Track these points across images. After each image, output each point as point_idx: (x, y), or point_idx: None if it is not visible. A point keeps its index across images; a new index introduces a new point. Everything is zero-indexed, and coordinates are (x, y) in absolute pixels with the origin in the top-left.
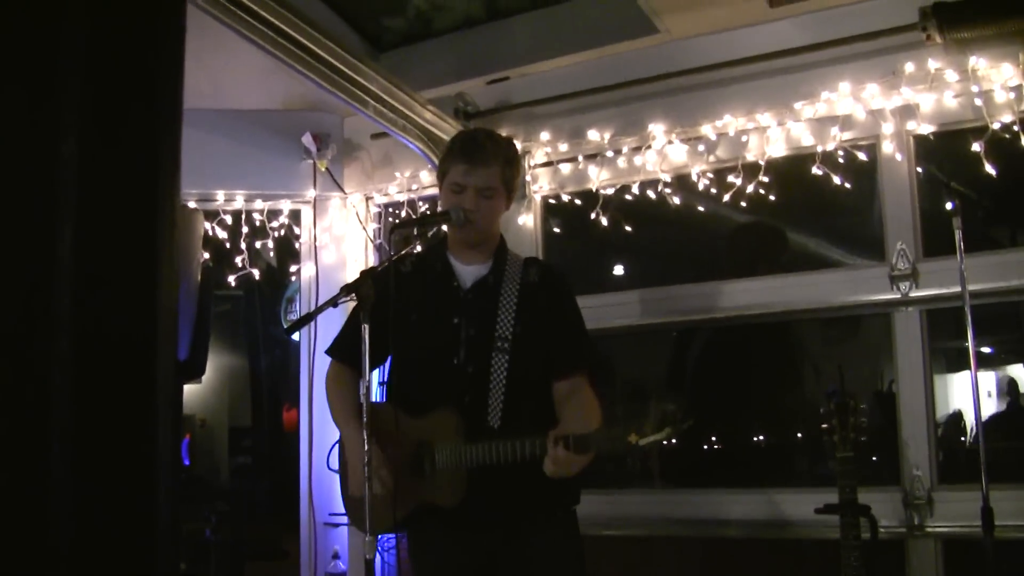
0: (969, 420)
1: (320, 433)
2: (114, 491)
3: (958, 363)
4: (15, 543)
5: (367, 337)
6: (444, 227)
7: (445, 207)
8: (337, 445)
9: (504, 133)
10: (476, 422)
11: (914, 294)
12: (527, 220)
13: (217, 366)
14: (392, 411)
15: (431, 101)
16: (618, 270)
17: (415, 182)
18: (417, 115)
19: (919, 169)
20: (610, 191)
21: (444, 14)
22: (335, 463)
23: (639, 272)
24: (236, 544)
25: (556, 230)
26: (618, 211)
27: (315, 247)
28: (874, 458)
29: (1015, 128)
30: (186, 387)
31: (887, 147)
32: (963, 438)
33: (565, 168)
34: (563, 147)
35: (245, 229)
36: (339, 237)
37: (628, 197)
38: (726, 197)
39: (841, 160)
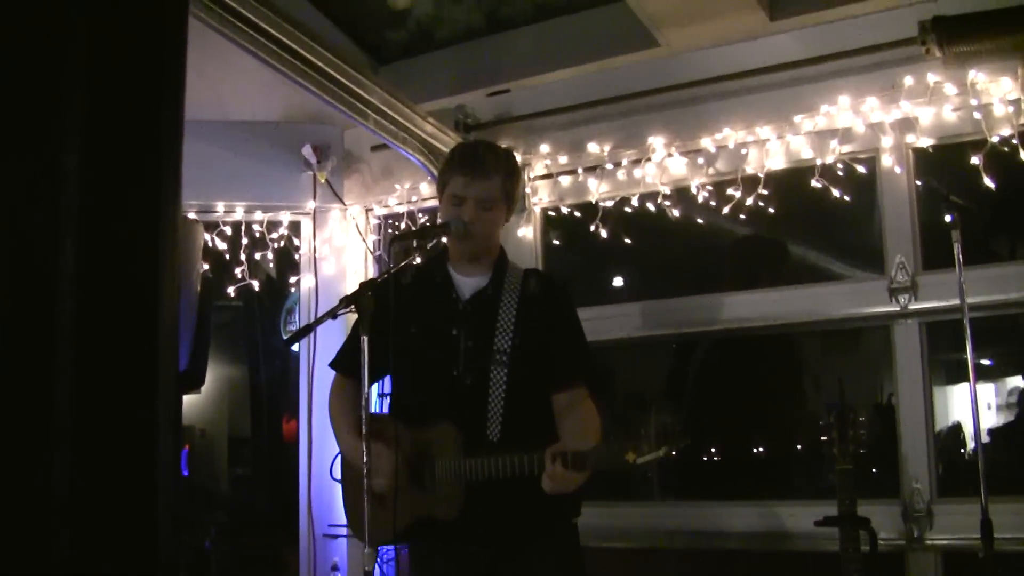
0: (969, 432)
1: (320, 444)
2: (115, 500)
3: (958, 375)
4: (17, 552)
5: (366, 349)
6: (444, 239)
7: (445, 219)
8: (339, 457)
9: (504, 145)
10: (475, 435)
11: (913, 307)
12: (527, 232)
13: (217, 377)
14: (392, 423)
15: (431, 113)
16: (617, 282)
17: (415, 194)
18: (417, 127)
19: (918, 182)
20: (610, 203)
21: (445, 26)
22: (338, 473)
23: (638, 284)
24: (235, 555)
25: (556, 242)
26: (618, 223)
27: (315, 259)
28: (874, 470)
29: (1014, 142)
30: (186, 397)
31: (886, 160)
32: (963, 450)
33: (565, 180)
34: (563, 159)
35: (245, 240)
36: (339, 249)
37: (628, 209)
38: (725, 210)
39: (840, 173)
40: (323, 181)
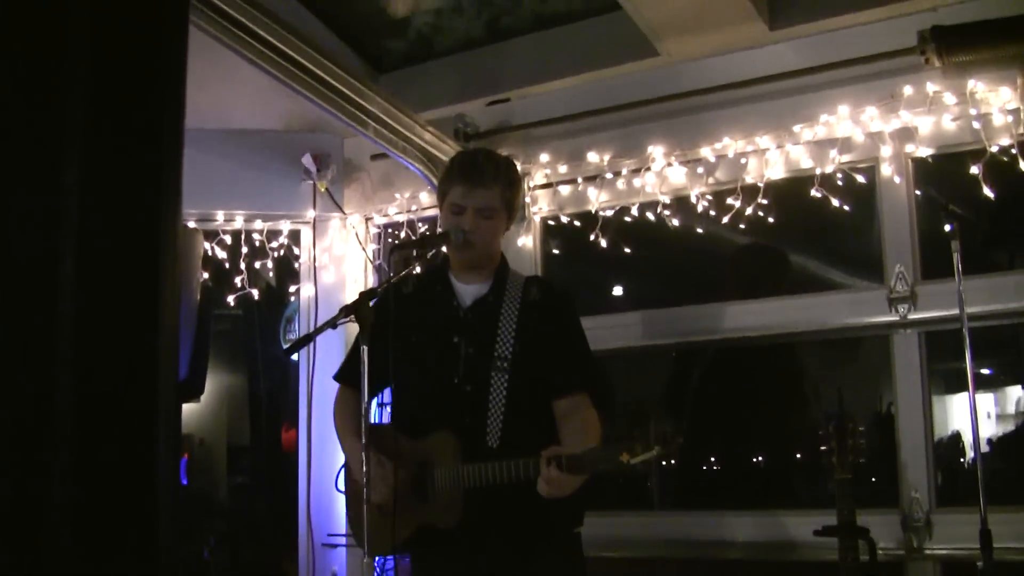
0: (968, 442)
1: (319, 453)
2: (115, 508)
3: (957, 385)
4: (18, 560)
5: (366, 358)
6: (444, 248)
7: (445, 228)
8: (344, 467)
9: (504, 154)
10: (475, 443)
11: (913, 316)
12: (526, 241)
13: (216, 385)
14: (392, 433)
15: (431, 122)
16: (617, 291)
17: (415, 203)
18: (417, 136)
19: (918, 192)
20: (609, 213)
21: (445, 35)
22: (342, 485)
23: (638, 293)
24: (234, 564)
25: (555, 251)
26: (617, 233)
27: (314, 268)
28: (873, 480)
29: (1013, 151)
30: (185, 406)
31: (886, 170)
32: (962, 460)
33: (564, 190)
34: (563, 168)
35: (245, 249)
36: (338, 258)
37: (627, 219)
38: (725, 219)
39: (840, 183)
40: (323, 190)
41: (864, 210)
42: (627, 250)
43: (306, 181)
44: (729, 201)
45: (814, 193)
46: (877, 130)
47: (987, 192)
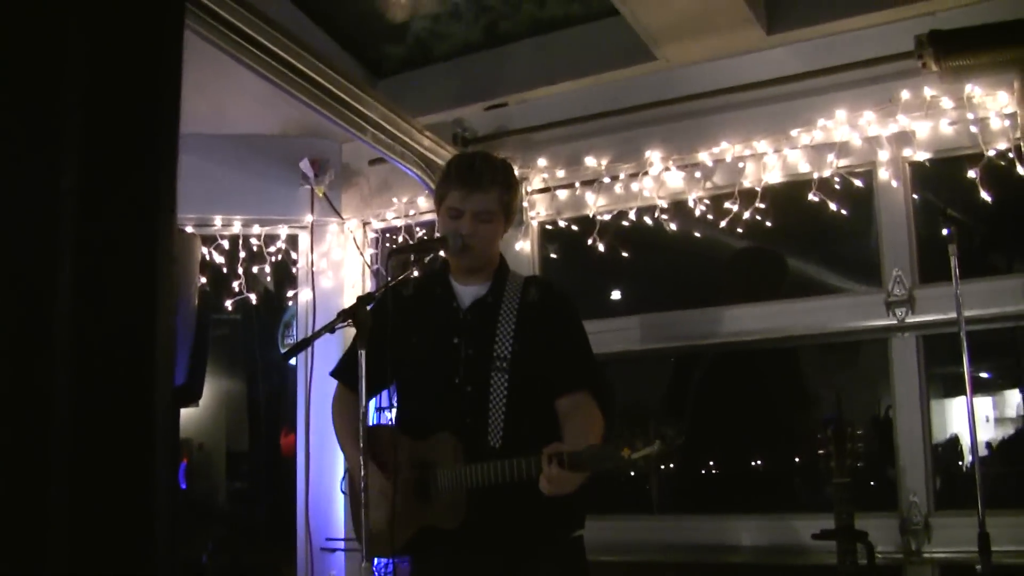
0: (967, 445)
1: (318, 458)
2: (113, 514)
3: (956, 388)
4: (15, 566)
5: (363, 363)
6: (442, 252)
7: (443, 232)
8: (347, 472)
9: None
10: (477, 443)
11: (910, 320)
12: (524, 246)
13: (214, 390)
14: (391, 434)
15: (429, 127)
16: (615, 296)
17: (413, 208)
18: (415, 141)
19: (915, 196)
20: (607, 217)
21: (443, 41)
22: (346, 487)
23: (636, 298)
24: (233, 568)
25: (553, 256)
26: (615, 237)
27: (312, 272)
28: (872, 483)
29: (1010, 155)
30: (184, 411)
31: (883, 174)
32: (961, 463)
33: (562, 194)
34: (560, 173)
35: (243, 254)
36: (337, 262)
37: (625, 223)
38: (723, 223)
39: (837, 187)
40: (321, 195)
41: (862, 214)
42: (625, 254)
43: (304, 186)
44: (727, 205)
45: (812, 197)
46: (875, 134)
47: (984, 196)
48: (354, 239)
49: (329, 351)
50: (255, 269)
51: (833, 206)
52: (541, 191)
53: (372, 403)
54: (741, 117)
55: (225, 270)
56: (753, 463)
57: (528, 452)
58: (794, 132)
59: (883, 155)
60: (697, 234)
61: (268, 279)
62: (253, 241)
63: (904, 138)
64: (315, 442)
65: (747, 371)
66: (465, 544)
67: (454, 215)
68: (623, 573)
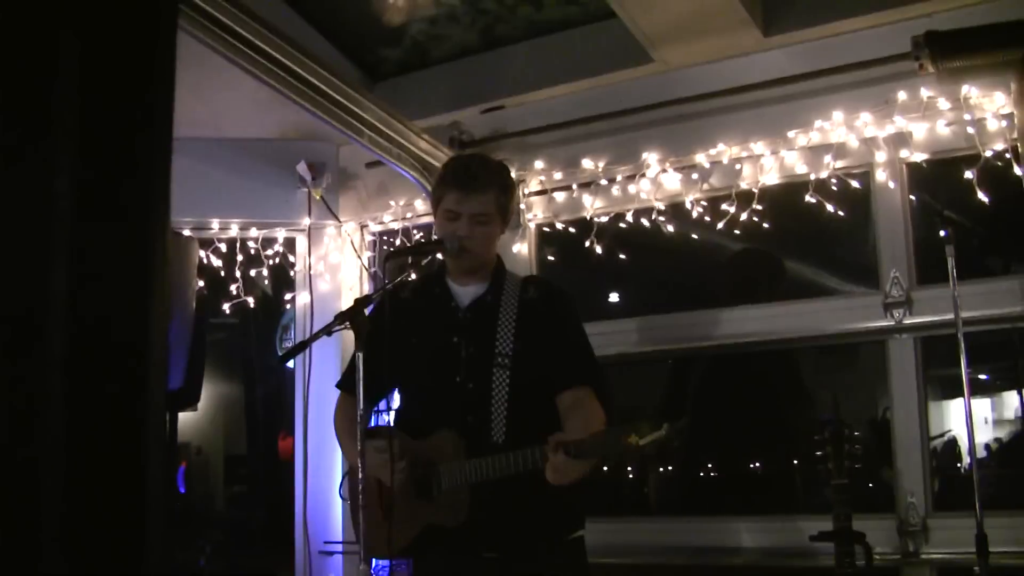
0: (965, 447)
1: (316, 461)
2: (104, 518)
3: (954, 390)
4: (4, 569)
5: (361, 365)
6: (440, 255)
7: (440, 235)
8: (346, 476)
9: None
10: (480, 439)
11: (908, 321)
12: (522, 248)
13: (213, 394)
14: (390, 435)
15: (426, 130)
16: (613, 298)
17: (410, 210)
18: (412, 144)
19: (912, 197)
20: (604, 219)
21: (440, 44)
22: (346, 492)
23: (633, 300)
24: (231, 572)
25: (551, 258)
26: (612, 239)
27: (310, 275)
28: (870, 485)
29: (1007, 156)
30: (182, 415)
31: (880, 175)
32: (959, 465)
33: (560, 196)
34: (558, 175)
35: (240, 257)
36: (334, 265)
37: (622, 225)
38: (720, 225)
39: (835, 188)
40: (318, 198)
41: (859, 216)
42: (622, 256)
43: (301, 189)
44: (724, 207)
45: (809, 199)
46: (871, 136)
47: (982, 197)
48: (351, 242)
49: (327, 354)
50: (252, 272)
51: (830, 207)
52: (538, 193)
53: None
54: (738, 119)
55: (222, 273)
56: (751, 465)
57: (529, 447)
58: (791, 134)
59: (880, 156)
60: (694, 236)
61: (266, 282)
62: (250, 244)
63: (901, 139)
64: (313, 445)
65: (745, 373)
66: (467, 543)
67: (451, 217)
68: (622, 575)
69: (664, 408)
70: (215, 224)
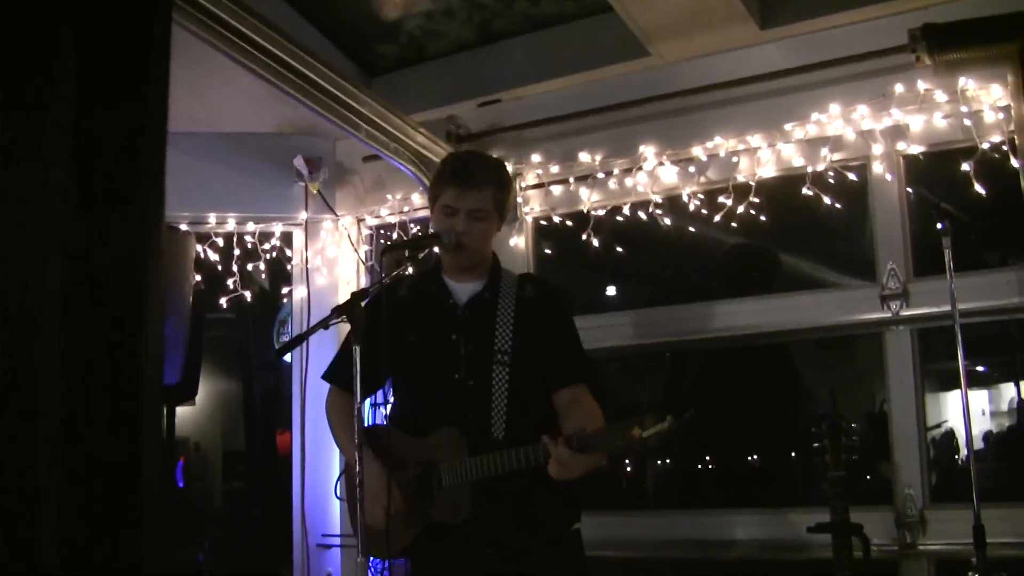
0: (962, 439)
1: (313, 455)
2: (100, 514)
3: (952, 382)
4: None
5: (358, 359)
6: (436, 249)
7: (437, 230)
8: (343, 474)
9: (496, 155)
10: (480, 436)
11: (905, 313)
12: (519, 242)
13: (210, 389)
14: (388, 433)
15: (423, 124)
16: (610, 291)
17: (407, 204)
18: (409, 138)
19: (909, 189)
20: (601, 212)
21: (436, 39)
22: (341, 492)
23: (631, 293)
24: (229, 568)
25: (548, 252)
26: (609, 233)
27: (307, 269)
28: (867, 477)
29: (1004, 148)
30: (179, 410)
31: (877, 168)
32: (956, 457)
33: (556, 190)
34: (554, 169)
35: (237, 252)
36: (331, 260)
37: (619, 218)
38: (717, 218)
39: (832, 181)
40: (315, 192)
41: (856, 208)
42: (619, 250)
43: (298, 183)
44: (721, 200)
45: (806, 192)
46: (868, 128)
47: (979, 189)
48: (348, 236)
49: (324, 348)
50: (250, 267)
51: (827, 200)
52: (535, 187)
53: (368, 400)
54: (735, 112)
55: (220, 268)
56: (749, 458)
57: (530, 443)
58: (788, 127)
59: (877, 149)
60: (691, 229)
61: (263, 277)
62: (247, 239)
63: (898, 132)
64: (311, 440)
65: (742, 366)
66: (469, 540)
67: (448, 213)
68: (620, 568)
69: (663, 401)
70: (212, 219)
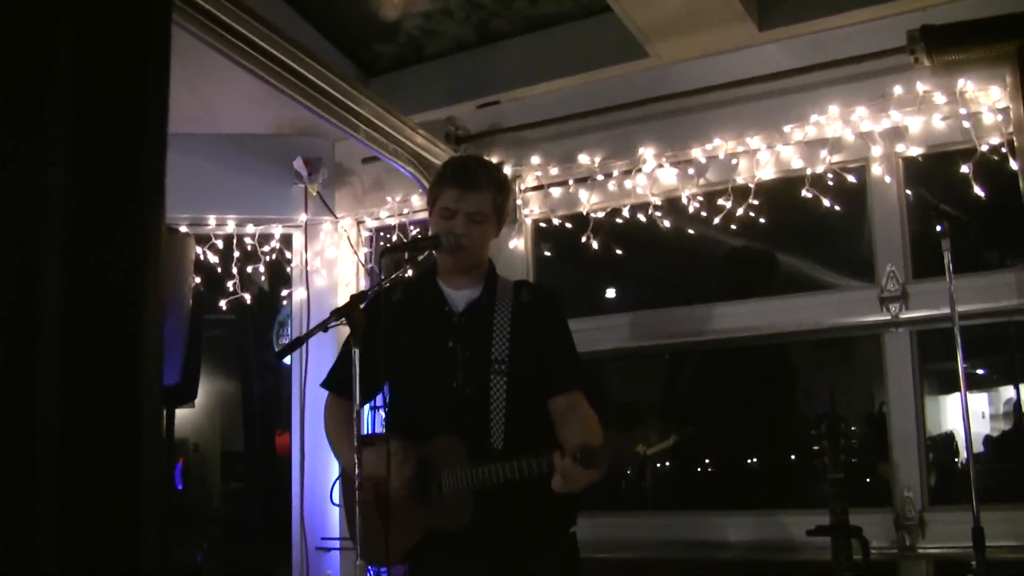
0: (961, 441)
1: (312, 458)
2: (99, 514)
3: (951, 384)
4: (3, 570)
5: (358, 362)
6: (434, 253)
7: (436, 232)
8: (339, 480)
9: (495, 157)
10: (479, 444)
11: (904, 315)
12: (518, 244)
13: (209, 390)
14: (387, 440)
15: (422, 125)
16: (609, 293)
17: (406, 206)
18: (408, 139)
19: (908, 191)
20: (601, 214)
21: (435, 39)
22: (336, 497)
23: (630, 295)
24: (227, 569)
25: (547, 253)
26: (609, 234)
27: (306, 271)
28: (867, 479)
29: (1003, 150)
30: (179, 411)
31: (876, 169)
32: (956, 459)
33: (556, 192)
34: (554, 171)
35: (236, 254)
36: (330, 261)
37: (619, 220)
38: (716, 220)
39: (831, 183)
40: (314, 194)
41: (855, 210)
42: (619, 251)
43: (297, 185)
44: (720, 202)
45: (805, 193)
46: (867, 130)
47: (977, 191)
48: (348, 238)
49: (323, 350)
50: (249, 269)
51: (826, 202)
52: (534, 189)
53: (368, 404)
54: (734, 113)
55: (219, 270)
56: (748, 460)
57: (528, 451)
58: (787, 128)
59: (876, 151)
60: (691, 231)
61: (262, 278)
62: (247, 240)
63: (897, 134)
64: (310, 442)
65: (742, 368)
66: (469, 545)
67: (447, 215)
68: (619, 570)
69: (662, 404)
70: (211, 220)
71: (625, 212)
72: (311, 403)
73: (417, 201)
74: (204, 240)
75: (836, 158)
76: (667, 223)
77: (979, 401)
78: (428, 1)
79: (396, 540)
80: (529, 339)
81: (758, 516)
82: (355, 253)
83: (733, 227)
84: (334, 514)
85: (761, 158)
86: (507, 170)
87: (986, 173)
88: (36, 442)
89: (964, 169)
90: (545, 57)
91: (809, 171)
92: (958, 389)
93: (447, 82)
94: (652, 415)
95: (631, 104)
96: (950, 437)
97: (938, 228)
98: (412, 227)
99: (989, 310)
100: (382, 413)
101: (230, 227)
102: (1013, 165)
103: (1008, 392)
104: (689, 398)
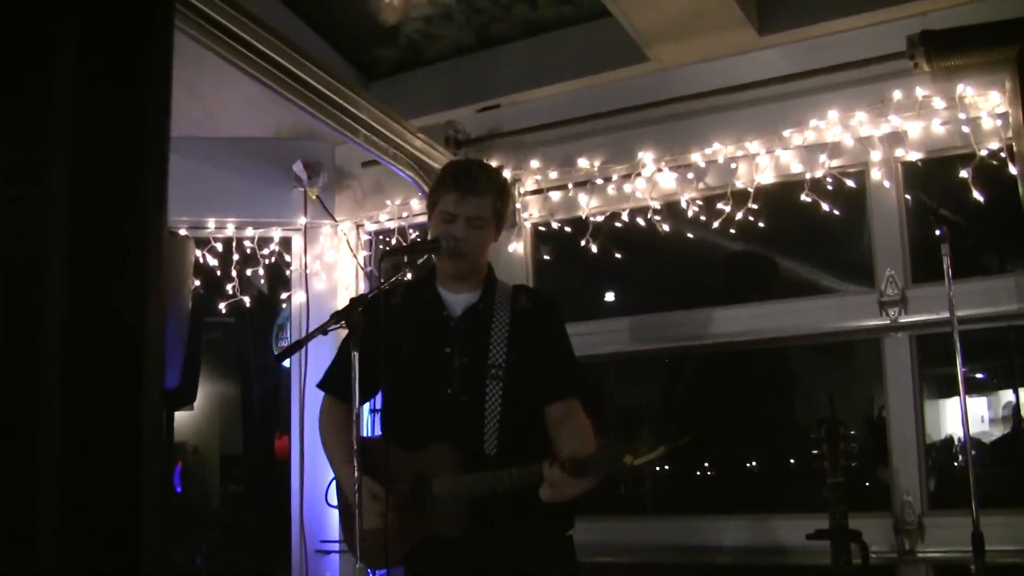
0: (961, 445)
1: (312, 460)
2: (99, 516)
3: (950, 389)
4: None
5: (357, 364)
6: (433, 257)
7: (435, 236)
8: (334, 482)
9: (495, 161)
10: (473, 451)
11: (903, 320)
12: (517, 247)
13: (209, 393)
14: (384, 446)
15: (422, 129)
16: (609, 297)
17: (406, 210)
18: (408, 143)
19: (907, 196)
20: (600, 218)
21: (435, 43)
22: (333, 499)
23: (629, 299)
24: (227, 571)
25: (546, 257)
26: (608, 238)
27: (305, 274)
28: (866, 483)
29: (1002, 155)
30: (178, 414)
31: (875, 174)
32: (955, 463)
33: (555, 195)
34: (553, 175)
35: (236, 257)
36: (330, 265)
37: (618, 224)
38: (716, 224)
39: (830, 187)
40: (314, 197)
41: (854, 214)
42: (618, 255)
43: (297, 188)
44: (719, 206)
45: (804, 198)
46: (867, 135)
47: (977, 196)
48: (347, 241)
49: (322, 353)
50: (248, 272)
51: (826, 206)
52: (534, 192)
53: (366, 405)
54: (733, 118)
55: (218, 273)
56: (747, 464)
57: (522, 459)
58: (786, 133)
59: (875, 155)
60: (690, 235)
61: (262, 282)
62: (246, 244)
63: (896, 138)
64: (309, 444)
65: (741, 372)
66: (464, 552)
67: (447, 219)
68: (617, 573)
69: (661, 408)
70: (211, 223)
71: (624, 216)
72: (310, 406)
73: (417, 205)
74: (204, 243)
75: (835, 162)
76: (666, 227)
77: (978, 405)
78: (428, 5)
79: (391, 546)
80: (527, 346)
81: (757, 520)
82: (354, 256)
83: (732, 231)
84: (333, 517)
85: (760, 162)
86: (507, 174)
87: (985, 178)
88: (36, 444)
89: (963, 174)
90: (545, 61)
91: (808, 175)
92: (957, 393)
93: (447, 86)
94: (651, 419)
95: (631, 108)
96: (949, 441)
97: (937, 233)
98: (411, 231)
99: (988, 314)
100: (381, 420)
101: (230, 230)
102: (1012, 170)
103: (1007, 396)
104: (688, 402)
